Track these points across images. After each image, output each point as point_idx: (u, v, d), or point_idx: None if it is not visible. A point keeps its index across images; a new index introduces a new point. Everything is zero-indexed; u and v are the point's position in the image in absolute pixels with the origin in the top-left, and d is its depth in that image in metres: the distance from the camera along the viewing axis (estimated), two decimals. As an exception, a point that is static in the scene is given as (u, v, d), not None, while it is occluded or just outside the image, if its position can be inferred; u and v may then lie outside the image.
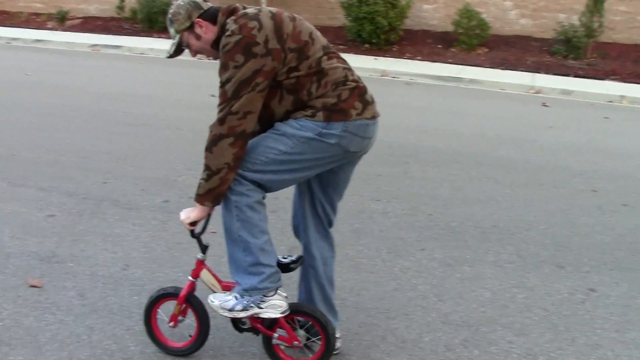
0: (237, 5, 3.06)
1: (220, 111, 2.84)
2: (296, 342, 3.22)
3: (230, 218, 3.00)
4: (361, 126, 2.95)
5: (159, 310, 3.44)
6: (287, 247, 4.74)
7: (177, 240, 4.87)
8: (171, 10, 3.06)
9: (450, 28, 15.95)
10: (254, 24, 2.81)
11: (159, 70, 12.95)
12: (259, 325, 3.20)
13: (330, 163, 3.03)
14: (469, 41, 15.38)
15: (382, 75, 13.04)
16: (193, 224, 3.07)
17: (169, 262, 4.54)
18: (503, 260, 4.84)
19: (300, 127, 2.90)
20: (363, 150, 3.08)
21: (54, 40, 17.31)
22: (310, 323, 3.24)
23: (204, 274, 3.24)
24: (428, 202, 5.98)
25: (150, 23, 18.47)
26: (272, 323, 3.19)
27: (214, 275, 3.24)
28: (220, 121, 2.83)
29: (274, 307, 3.06)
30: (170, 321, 3.41)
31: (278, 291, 3.08)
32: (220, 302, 3.12)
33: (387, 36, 15.50)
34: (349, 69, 3.03)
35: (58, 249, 4.67)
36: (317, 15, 17.85)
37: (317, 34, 3.02)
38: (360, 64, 13.68)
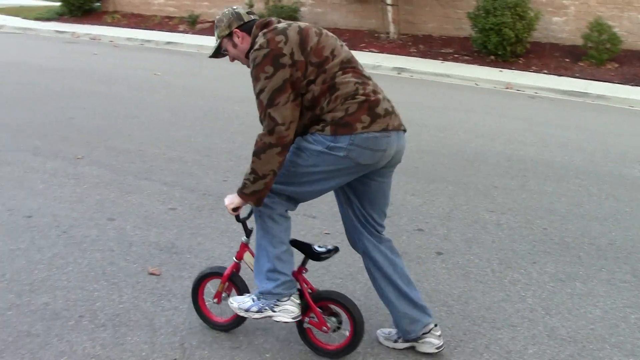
0: (273, 19, 3.23)
1: (263, 120, 3.04)
2: (325, 328, 3.37)
3: (257, 226, 3.26)
4: (369, 139, 3.02)
5: (207, 286, 3.70)
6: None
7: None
8: (217, 17, 3.30)
9: (579, 42, 15.44)
10: (280, 37, 3.01)
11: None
12: None
13: (348, 174, 3.13)
14: (599, 56, 14.82)
15: (506, 88, 12.77)
16: (235, 209, 3.26)
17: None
18: (617, 279, 4.64)
19: (313, 142, 3.07)
20: (381, 163, 3.14)
21: (185, 42, 18.03)
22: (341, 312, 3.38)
23: (247, 256, 3.48)
24: (543, 216, 5.82)
25: (277, 28, 18.85)
26: (306, 308, 3.35)
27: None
28: (270, 132, 2.99)
29: (286, 311, 3.25)
30: (214, 297, 3.65)
31: (292, 298, 3.25)
32: (239, 303, 3.37)
33: (513, 48, 15.18)
34: (364, 83, 3.10)
35: (177, 240, 4.87)
36: (443, 25, 17.74)
37: (340, 49, 3.15)
38: (485, 75, 13.48)
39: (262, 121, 3.05)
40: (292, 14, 18.76)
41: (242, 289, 3.56)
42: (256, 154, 3.05)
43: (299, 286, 3.37)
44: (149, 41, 18.48)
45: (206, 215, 5.38)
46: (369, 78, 3.16)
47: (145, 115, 8.87)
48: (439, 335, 3.46)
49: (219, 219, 5.31)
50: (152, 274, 4.35)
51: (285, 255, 3.24)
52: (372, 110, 3.04)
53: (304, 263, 3.42)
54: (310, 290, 3.45)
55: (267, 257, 3.23)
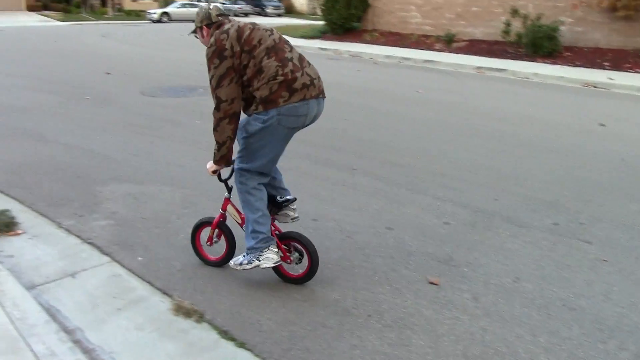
0: (225, 20, 4.19)
1: (214, 100, 3.98)
2: (288, 261, 4.39)
3: (239, 199, 4.23)
4: (290, 108, 3.97)
5: (202, 232, 4.73)
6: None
7: (567, 263, 4.90)
8: (197, 10, 4.34)
9: None
10: (223, 36, 3.96)
11: (544, 94, 12.97)
12: None
13: (285, 138, 4.14)
14: None
15: None
16: (215, 172, 4.27)
17: (558, 281, 4.60)
18: None
19: (253, 122, 4.02)
20: (306, 123, 4.14)
21: (442, 61, 18.27)
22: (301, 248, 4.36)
23: (229, 208, 4.50)
24: None
25: (535, 48, 18.49)
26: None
27: (236, 209, 4.47)
28: (217, 108, 3.98)
29: (268, 259, 4.21)
30: (207, 241, 4.67)
31: (270, 248, 4.21)
32: (234, 261, 4.36)
33: None
34: (284, 65, 3.94)
35: (454, 253, 5.02)
36: None
37: (267, 38, 3.99)
38: None
39: (214, 101, 3.99)
40: (550, 33, 18.27)
41: (227, 234, 4.58)
42: (214, 128, 4.04)
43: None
44: (407, 59, 18.99)
45: (480, 232, 5.47)
46: (289, 59, 3.99)
47: (409, 130, 9.18)
48: (294, 209, 4.51)
49: (493, 237, 5.37)
50: (432, 283, 4.53)
51: (261, 219, 4.19)
52: (290, 86, 3.95)
53: (271, 211, 4.36)
54: (277, 232, 4.41)
55: (248, 221, 4.22)
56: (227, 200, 4.48)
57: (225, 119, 3.98)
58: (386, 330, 3.89)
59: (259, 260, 4.23)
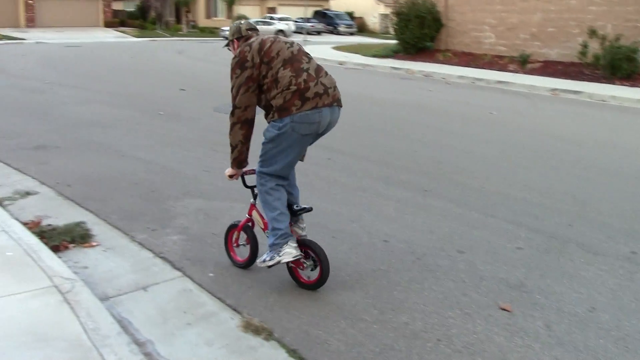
0: (254, 34, 4.58)
1: (231, 107, 4.36)
2: (301, 267, 4.62)
3: (260, 200, 4.57)
4: (303, 116, 4.22)
5: (233, 234, 5.02)
6: None
7: (645, 293, 4.77)
8: (231, 24, 4.78)
9: None
10: (247, 48, 4.34)
11: (621, 118, 12.65)
12: None
13: (300, 144, 4.38)
14: None
15: None
16: (231, 177, 4.68)
17: (637, 312, 4.46)
18: None
19: (270, 129, 4.31)
20: (319, 130, 4.37)
21: (515, 82, 18.06)
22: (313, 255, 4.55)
23: (254, 213, 4.82)
24: None
25: (613, 70, 18.08)
26: None
27: (260, 215, 4.76)
28: (232, 114, 4.37)
29: (288, 254, 4.42)
30: (234, 243, 5.02)
31: (289, 243, 4.43)
32: (259, 260, 4.63)
33: None
34: (297, 75, 4.23)
35: (526, 279, 4.94)
36: None
37: (286, 50, 4.32)
38: None
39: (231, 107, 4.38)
40: (630, 55, 17.83)
41: (251, 237, 4.86)
42: (229, 132, 4.41)
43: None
44: (479, 79, 18.83)
45: (554, 258, 5.37)
46: (305, 70, 4.27)
47: (481, 152, 9.10)
48: (303, 227, 4.74)
49: (566, 263, 5.26)
50: (503, 309, 4.46)
51: (279, 216, 4.46)
52: (303, 95, 4.21)
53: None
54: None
55: (268, 220, 4.50)
56: (253, 206, 4.82)
57: (237, 124, 4.39)
58: (456, 356, 3.85)
59: (280, 256, 4.46)
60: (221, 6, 60.91)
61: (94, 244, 5.42)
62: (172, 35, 50.80)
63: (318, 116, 4.27)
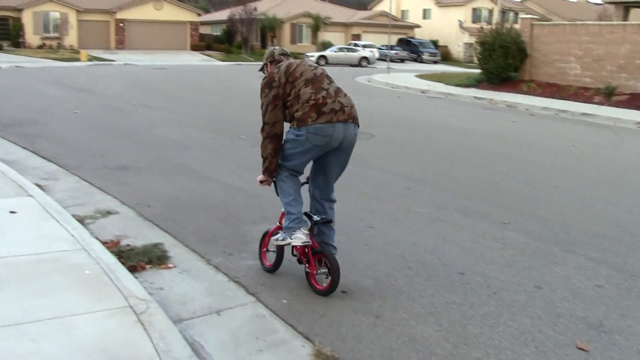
0: (284, 59, 5.21)
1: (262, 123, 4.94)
2: (315, 272, 5.04)
3: (277, 187, 5.16)
4: (317, 128, 4.75)
5: (265, 241, 5.54)
6: None
7: None
8: (268, 49, 5.43)
9: None
10: (275, 70, 4.97)
11: None
12: (302, 258, 5.16)
13: (313, 151, 4.91)
14: None
15: None
16: (262, 182, 5.22)
17: None
18: None
19: (290, 134, 4.91)
20: (332, 144, 4.86)
21: (600, 114, 17.67)
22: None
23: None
24: None
25: None
26: (307, 261, 5.10)
27: None
28: (262, 130, 4.95)
29: (298, 238, 4.92)
30: (263, 247, 5.59)
31: (301, 229, 4.95)
32: (273, 237, 5.20)
33: None
34: (317, 92, 4.81)
35: (606, 319, 4.82)
36: None
37: (309, 72, 4.94)
38: None
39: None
40: None
41: (279, 247, 5.31)
42: (260, 145, 5.01)
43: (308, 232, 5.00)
44: (564, 111, 18.49)
45: (635, 297, 5.22)
46: (325, 89, 4.86)
47: (563, 185, 8.93)
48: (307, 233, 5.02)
49: (649, 304, 5.12)
50: (580, 349, 4.37)
51: (293, 202, 4.99)
52: (319, 109, 4.77)
53: (310, 228, 5.07)
54: (313, 247, 5.05)
55: (284, 205, 5.06)
56: (283, 215, 5.19)
57: (267, 139, 4.95)
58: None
59: (291, 238, 4.97)
60: (306, 32, 61.85)
61: (171, 265, 5.60)
62: (257, 60, 51.84)
63: (331, 130, 4.79)
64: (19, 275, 4.85)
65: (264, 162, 5.04)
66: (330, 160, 5.06)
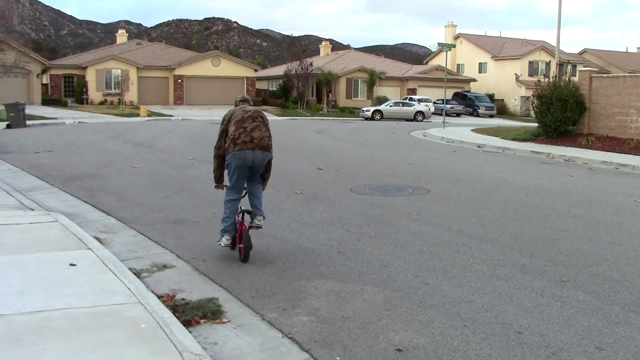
0: (240, 104, 7.81)
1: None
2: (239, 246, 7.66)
3: None
4: (234, 154, 7.29)
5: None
6: None
7: None
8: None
9: None
10: (227, 112, 7.71)
11: None
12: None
13: (239, 171, 7.41)
14: None
15: None
16: (216, 187, 8.00)
17: None
18: None
19: (227, 160, 7.45)
20: (246, 164, 7.36)
21: (665, 168, 17.16)
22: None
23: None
24: None
25: None
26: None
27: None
28: (214, 150, 7.73)
29: (223, 241, 7.62)
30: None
31: (225, 237, 7.62)
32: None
33: None
34: (237, 130, 7.35)
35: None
36: None
37: (239, 116, 7.48)
38: None
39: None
40: None
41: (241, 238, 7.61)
42: (213, 161, 7.79)
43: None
44: (624, 165, 18.09)
45: None
46: (244, 127, 7.36)
47: (626, 242, 8.68)
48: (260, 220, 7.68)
49: None
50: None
51: (226, 219, 7.62)
52: (235, 142, 7.28)
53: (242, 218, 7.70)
54: (243, 229, 7.56)
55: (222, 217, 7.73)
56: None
57: (215, 157, 7.72)
58: None
59: (219, 241, 7.66)
60: (362, 87, 62.45)
61: (225, 320, 5.61)
62: (313, 115, 52.48)
63: (243, 155, 7.31)
64: (78, 327, 4.95)
65: (214, 173, 7.85)
66: (252, 175, 7.64)
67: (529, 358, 4.96)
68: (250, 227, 7.57)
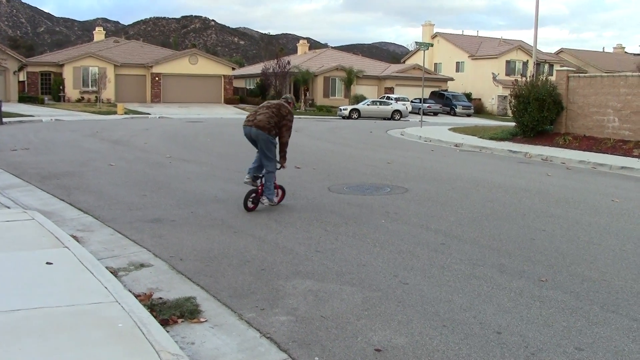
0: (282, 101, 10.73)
1: None
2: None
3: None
4: (243, 127, 10.38)
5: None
6: None
7: None
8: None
9: None
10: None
11: None
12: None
13: (249, 140, 10.36)
14: None
15: None
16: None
17: None
18: None
19: None
20: (250, 136, 10.21)
21: (640, 168, 17.33)
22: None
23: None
24: None
25: None
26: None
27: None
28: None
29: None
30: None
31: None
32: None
33: None
34: (252, 113, 10.42)
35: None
36: None
37: (260, 105, 10.57)
38: None
39: None
40: None
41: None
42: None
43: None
44: (601, 164, 18.23)
45: (683, 362, 5.00)
46: (255, 111, 10.38)
47: (604, 242, 8.70)
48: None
49: (698, 368, 4.89)
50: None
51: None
52: (246, 119, 10.29)
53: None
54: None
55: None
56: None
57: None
58: None
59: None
60: (339, 85, 62.47)
61: (202, 320, 5.54)
62: (291, 113, 52.18)
63: (245, 129, 10.15)
64: (54, 327, 4.88)
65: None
66: (259, 149, 10.25)
67: (508, 358, 4.93)
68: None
